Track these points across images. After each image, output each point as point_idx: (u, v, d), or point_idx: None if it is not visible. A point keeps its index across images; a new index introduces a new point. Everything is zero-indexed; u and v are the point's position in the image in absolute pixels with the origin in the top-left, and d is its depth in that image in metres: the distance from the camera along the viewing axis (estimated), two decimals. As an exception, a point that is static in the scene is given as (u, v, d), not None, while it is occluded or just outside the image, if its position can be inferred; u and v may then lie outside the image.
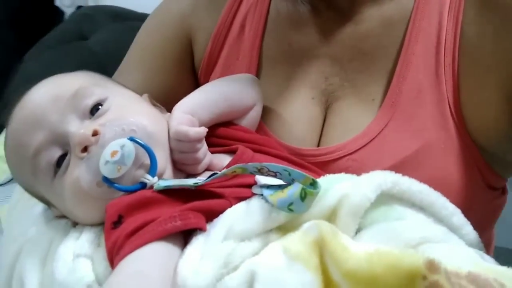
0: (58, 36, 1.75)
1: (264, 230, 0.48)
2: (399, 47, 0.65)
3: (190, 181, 0.52)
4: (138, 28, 1.69)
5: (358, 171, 0.60)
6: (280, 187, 0.51)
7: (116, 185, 0.53)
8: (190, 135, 0.57)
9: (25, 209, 0.65)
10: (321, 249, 0.45)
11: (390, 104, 0.64)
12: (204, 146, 0.60)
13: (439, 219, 0.53)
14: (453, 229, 0.52)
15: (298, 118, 0.68)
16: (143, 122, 0.56)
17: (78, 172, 0.54)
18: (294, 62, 0.70)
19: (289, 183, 0.51)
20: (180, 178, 0.59)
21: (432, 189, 0.53)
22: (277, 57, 0.72)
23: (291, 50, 0.71)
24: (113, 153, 0.52)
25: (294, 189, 0.47)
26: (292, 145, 0.67)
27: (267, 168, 0.50)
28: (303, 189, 0.47)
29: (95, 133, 0.53)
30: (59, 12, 1.88)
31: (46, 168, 0.56)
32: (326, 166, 0.64)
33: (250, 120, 0.67)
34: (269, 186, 0.51)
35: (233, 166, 0.51)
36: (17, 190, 0.70)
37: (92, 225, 0.56)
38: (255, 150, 0.62)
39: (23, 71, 1.70)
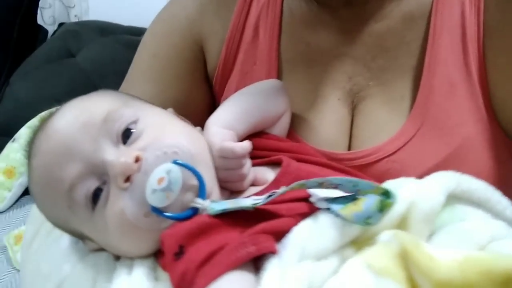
0: (44, 55, 1.67)
1: (339, 246, 0.46)
2: (423, 42, 0.64)
3: (248, 202, 0.50)
4: (126, 42, 1.65)
5: (399, 172, 0.60)
6: (345, 198, 0.49)
7: (166, 214, 0.49)
8: (236, 152, 0.55)
9: (50, 243, 0.60)
10: (406, 261, 0.44)
11: (423, 101, 0.63)
12: (248, 161, 0.57)
13: (496, 214, 0.53)
14: (508, 222, 0.52)
15: (326, 121, 0.67)
16: (183, 142, 0.53)
17: (122, 203, 0.50)
18: (314, 63, 0.69)
19: (353, 194, 0.49)
20: (224, 196, 0.57)
21: (487, 185, 0.54)
22: (296, 59, 0.69)
23: (310, 51, 0.69)
24: (160, 180, 0.48)
25: (370, 202, 0.46)
26: (324, 150, 0.65)
27: (329, 182, 0.49)
28: (381, 201, 0.45)
29: (136, 160, 0.50)
30: (42, 31, 1.82)
31: (83, 202, 0.51)
32: (364, 169, 0.63)
33: (281, 127, 0.65)
34: (334, 199, 0.49)
35: (293, 184, 0.49)
36: (32, 223, 0.65)
37: (139, 257, 0.52)
38: (293, 159, 0.59)
39: (11, 93, 1.62)
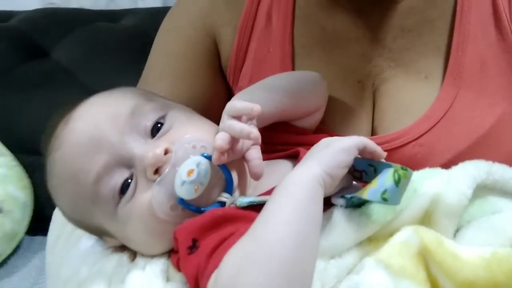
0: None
1: (354, 243, 0.44)
2: (450, 19, 0.61)
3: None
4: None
5: (427, 156, 0.57)
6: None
7: (193, 207, 0.49)
8: (243, 109, 0.52)
9: (70, 246, 0.60)
10: (426, 260, 0.41)
11: (452, 81, 0.59)
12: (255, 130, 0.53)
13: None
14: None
15: (348, 105, 0.63)
16: (211, 137, 0.52)
17: (149, 195, 0.50)
18: (331, 47, 0.65)
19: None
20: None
21: None
22: (311, 44, 0.66)
23: (325, 35, 0.65)
24: (189, 172, 0.48)
25: (385, 175, 0.43)
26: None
27: (353, 167, 0.46)
28: (395, 171, 0.42)
29: (166, 152, 0.50)
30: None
31: (109, 194, 0.51)
32: (389, 155, 0.59)
33: (311, 122, 0.62)
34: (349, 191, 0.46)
35: None
36: (56, 225, 0.65)
37: (153, 257, 0.52)
38: None
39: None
